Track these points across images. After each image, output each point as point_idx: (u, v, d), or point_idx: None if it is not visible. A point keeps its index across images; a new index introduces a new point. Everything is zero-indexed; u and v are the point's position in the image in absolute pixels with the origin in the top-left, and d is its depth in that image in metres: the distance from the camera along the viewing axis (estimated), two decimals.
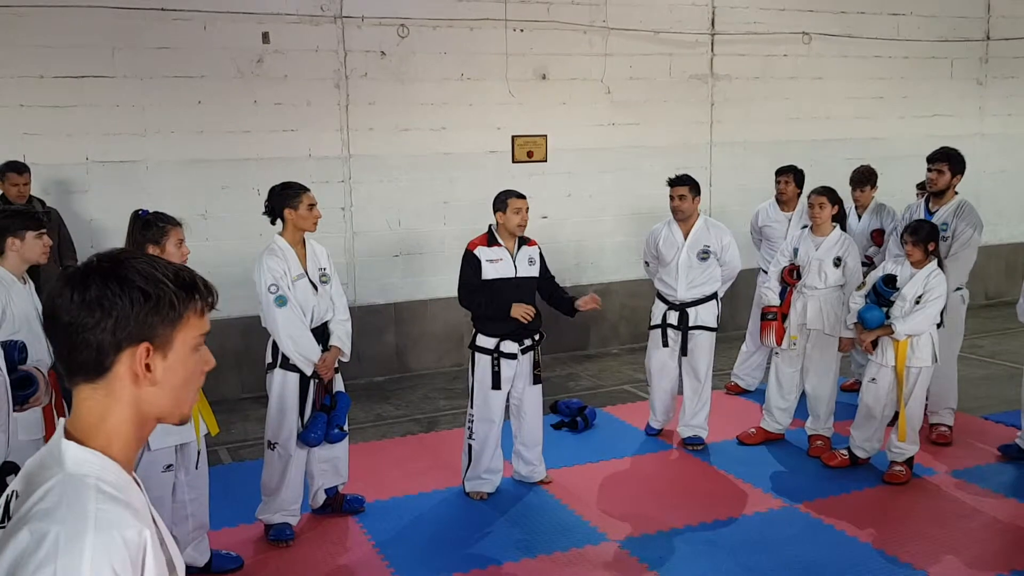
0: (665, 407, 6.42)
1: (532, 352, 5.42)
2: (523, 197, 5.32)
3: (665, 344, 6.24)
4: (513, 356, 5.32)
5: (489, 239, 5.33)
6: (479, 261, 5.27)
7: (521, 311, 5.19)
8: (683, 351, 6.19)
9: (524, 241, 5.40)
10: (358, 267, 8.04)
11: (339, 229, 7.86)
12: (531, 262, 5.38)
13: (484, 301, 5.29)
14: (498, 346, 5.30)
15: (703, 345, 6.19)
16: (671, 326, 6.20)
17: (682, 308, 6.16)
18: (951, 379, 6.20)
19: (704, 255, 6.10)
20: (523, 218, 5.28)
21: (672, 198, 6.11)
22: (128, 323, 1.38)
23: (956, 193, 6.15)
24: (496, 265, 5.27)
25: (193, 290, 1.44)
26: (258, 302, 4.72)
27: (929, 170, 6.17)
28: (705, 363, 6.23)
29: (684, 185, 6.06)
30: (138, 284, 1.39)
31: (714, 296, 6.20)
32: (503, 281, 5.26)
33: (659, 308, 6.28)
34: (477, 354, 5.36)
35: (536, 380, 5.45)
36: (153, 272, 1.40)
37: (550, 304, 5.59)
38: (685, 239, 6.12)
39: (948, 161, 6.08)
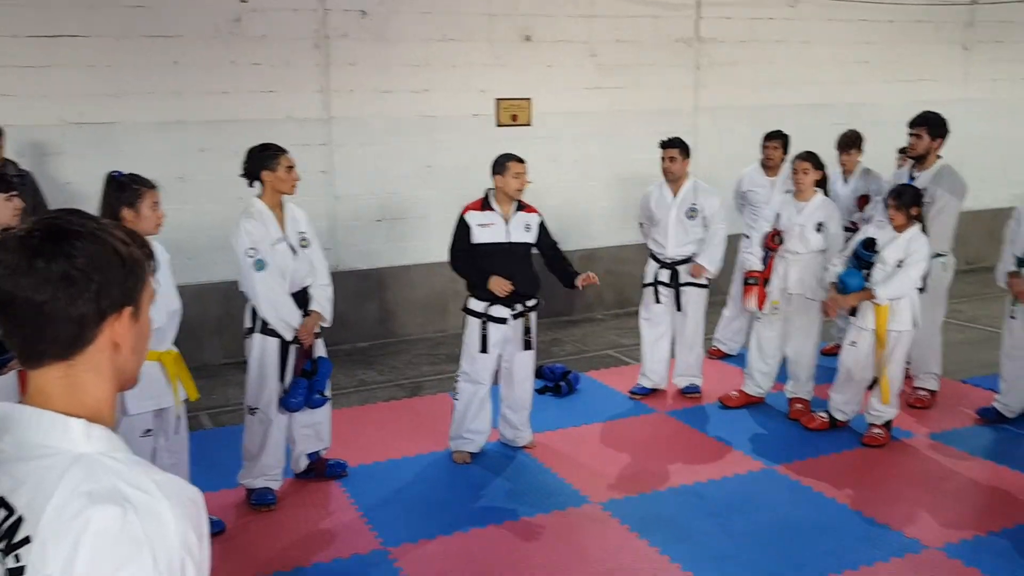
0: (656, 365, 6.51)
1: (524, 318, 5.41)
2: (523, 161, 5.30)
3: (657, 301, 6.40)
4: (502, 320, 5.32)
5: (484, 203, 5.34)
6: (469, 226, 5.28)
7: (498, 285, 5.18)
8: (677, 306, 6.37)
9: (522, 207, 5.37)
10: (340, 232, 7.98)
11: (320, 193, 7.79)
12: (527, 228, 5.36)
13: (467, 266, 5.30)
14: (487, 310, 5.31)
15: (692, 300, 6.38)
16: (662, 283, 6.37)
17: (672, 266, 6.32)
18: (934, 346, 6.23)
19: (692, 213, 6.30)
20: (522, 182, 5.26)
21: (663, 159, 6.30)
22: (111, 289, 1.30)
23: (939, 157, 6.13)
24: (487, 230, 5.27)
25: (147, 247, 1.39)
26: (236, 266, 4.67)
27: (909, 135, 6.17)
28: (694, 318, 6.42)
29: (675, 147, 6.26)
30: (111, 246, 1.31)
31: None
32: (493, 246, 5.26)
33: (651, 267, 6.48)
34: (468, 317, 5.39)
35: (527, 346, 5.45)
36: (113, 233, 1.33)
37: (552, 273, 5.59)
38: (675, 198, 6.32)
39: (926, 125, 6.07)
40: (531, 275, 5.38)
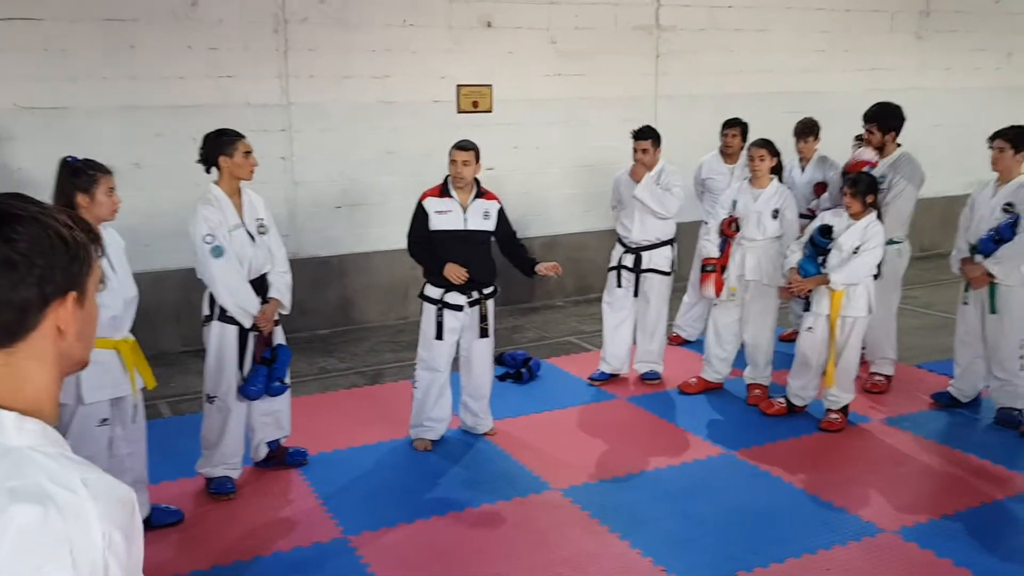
0: (616, 350, 6.52)
1: (480, 306, 5.39)
2: (465, 149, 5.23)
3: (619, 285, 6.43)
4: (459, 308, 5.31)
5: (442, 189, 5.31)
6: (427, 212, 5.26)
7: (453, 272, 5.17)
8: (636, 292, 6.40)
9: (481, 194, 5.35)
10: (300, 218, 7.91)
11: (280, 179, 7.71)
12: (486, 216, 5.33)
13: (424, 253, 5.29)
14: (443, 297, 5.29)
15: (655, 287, 6.41)
16: (625, 267, 6.39)
17: (637, 251, 6.34)
18: (889, 331, 6.33)
19: None
20: (458, 170, 5.21)
21: (635, 151, 6.30)
22: (55, 274, 1.27)
23: (899, 145, 6.22)
24: (444, 216, 5.24)
25: (92, 231, 1.35)
26: (194, 253, 4.62)
27: (865, 128, 6.32)
28: (656, 304, 6.45)
29: (647, 139, 6.27)
30: (54, 229, 1.27)
31: (670, 242, 6.41)
32: (449, 233, 5.23)
33: (617, 251, 6.51)
34: (424, 303, 5.37)
35: (483, 334, 5.43)
36: (57, 217, 1.30)
37: (510, 261, 5.57)
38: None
39: (876, 121, 6.17)
40: (488, 263, 5.36)
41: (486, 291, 5.40)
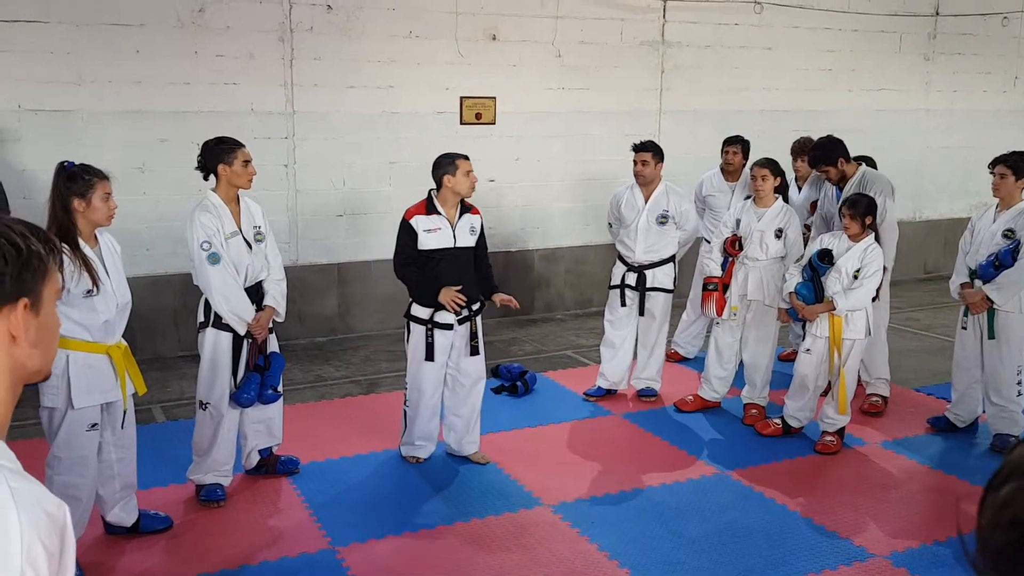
0: (617, 367, 6.49)
1: (469, 323, 5.28)
2: (468, 158, 5.14)
3: (623, 304, 6.38)
4: (448, 327, 5.19)
5: (428, 207, 5.13)
6: (416, 231, 5.08)
7: (449, 297, 5.04)
8: (640, 311, 6.36)
9: (467, 209, 5.21)
10: (301, 226, 7.92)
11: (282, 187, 7.73)
12: (472, 231, 5.19)
13: (415, 274, 5.11)
14: (432, 316, 5.16)
15: (659, 305, 6.38)
16: (629, 287, 6.35)
17: (640, 270, 6.30)
18: (883, 350, 6.31)
19: (663, 220, 6.26)
20: (473, 180, 5.10)
21: (635, 163, 6.27)
22: (4, 280, 1.29)
23: (859, 164, 6.21)
24: (434, 235, 5.07)
25: (50, 242, 1.37)
26: (191, 259, 4.62)
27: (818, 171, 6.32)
28: (657, 321, 6.41)
29: (648, 151, 6.24)
30: (6, 237, 1.30)
31: (671, 259, 6.38)
32: (441, 252, 5.07)
33: (619, 269, 6.44)
34: (412, 324, 5.22)
35: (473, 351, 5.32)
36: (11, 225, 1.32)
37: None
38: (646, 203, 6.27)
39: (823, 161, 6.10)
40: (475, 278, 5.24)
41: (475, 307, 5.28)
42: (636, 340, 6.51)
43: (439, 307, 5.13)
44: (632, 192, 6.35)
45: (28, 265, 1.32)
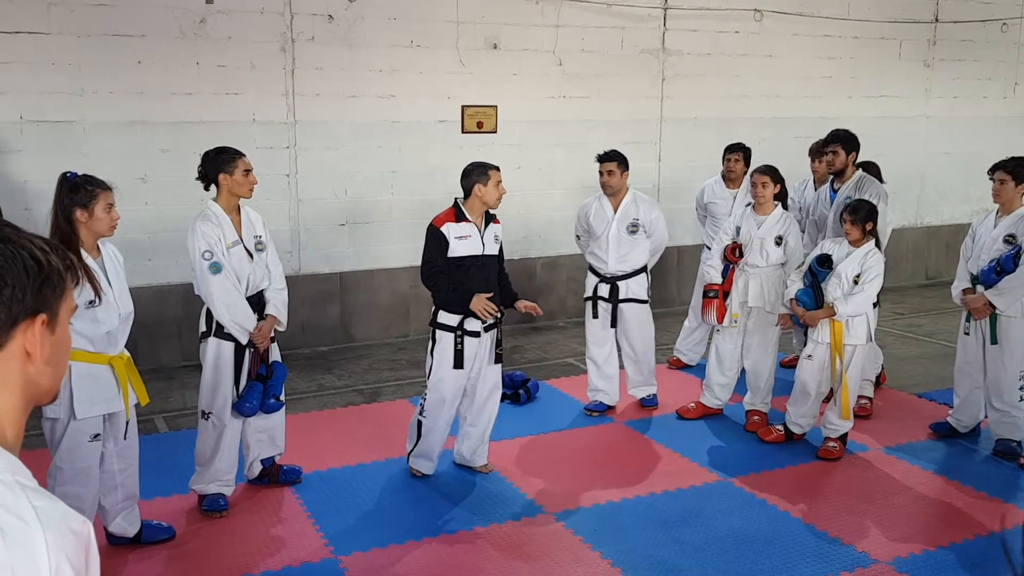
0: (604, 382, 6.45)
1: (495, 330, 5.26)
2: (499, 169, 5.13)
3: (595, 316, 6.33)
4: (476, 334, 5.14)
5: (457, 214, 5.09)
6: (447, 239, 5.01)
7: (481, 305, 5.00)
8: (612, 323, 6.31)
9: (491, 218, 5.19)
10: (303, 235, 7.93)
11: (284, 196, 7.75)
12: (496, 239, 5.20)
13: (447, 282, 5.07)
14: (462, 323, 5.11)
15: (636, 317, 6.31)
16: (602, 299, 6.30)
17: (612, 281, 6.26)
18: (870, 354, 6.31)
19: (633, 228, 6.22)
20: (503, 191, 5.09)
21: (601, 173, 6.24)
22: (24, 294, 1.27)
23: (857, 168, 6.32)
24: (464, 242, 5.04)
25: (68, 259, 1.35)
26: (192, 269, 4.63)
27: (825, 152, 6.41)
28: (639, 335, 6.36)
29: (612, 161, 6.20)
30: (28, 251, 1.28)
31: (644, 269, 6.33)
32: (471, 259, 5.05)
33: (591, 281, 6.39)
34: (439, 331, 5.14)
35: (497, 359, 5.29)
36: (32, 240, 1.30)
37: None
38: (615, 213, 6.23)
39: (840, 142, 6.27)
40: (499, 287, 5.26)
41: (499, 315, 5.25)
42: (620, 353, 6.45)
43: (468, 314, 5.08)
44: (600, 202, 6.29)
45: (48, 281, 1.30)
